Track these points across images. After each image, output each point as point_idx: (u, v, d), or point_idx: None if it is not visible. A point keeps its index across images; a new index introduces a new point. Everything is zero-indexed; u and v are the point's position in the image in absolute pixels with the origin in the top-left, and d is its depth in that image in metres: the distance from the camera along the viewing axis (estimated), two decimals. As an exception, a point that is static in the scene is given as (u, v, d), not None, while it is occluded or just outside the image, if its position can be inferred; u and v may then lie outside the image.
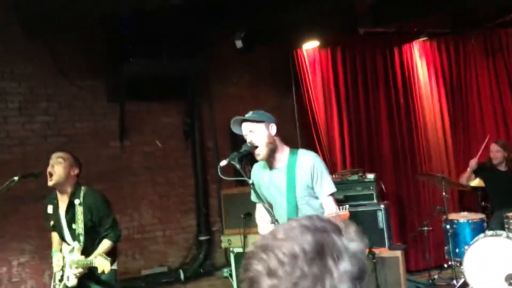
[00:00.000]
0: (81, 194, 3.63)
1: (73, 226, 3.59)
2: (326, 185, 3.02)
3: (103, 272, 3.33)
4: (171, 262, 5.91)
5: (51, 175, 3.57)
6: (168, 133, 5.99)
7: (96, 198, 3.68)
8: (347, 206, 2.78)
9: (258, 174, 3.14)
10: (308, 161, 3.03)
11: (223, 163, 2.82)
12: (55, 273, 3.76)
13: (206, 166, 6.12)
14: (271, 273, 0.90)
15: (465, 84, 6.98)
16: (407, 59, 6.75)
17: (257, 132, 3.00)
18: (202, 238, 6.00)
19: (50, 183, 3.58)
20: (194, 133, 6.06)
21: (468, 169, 5.83)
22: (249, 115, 3.05)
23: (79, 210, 3.58)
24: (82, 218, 3.57)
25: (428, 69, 6.89)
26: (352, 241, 0.95)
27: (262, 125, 3.01)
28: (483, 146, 5.88)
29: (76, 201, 3.60)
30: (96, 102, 5.63)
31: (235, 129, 3.10)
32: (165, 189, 5.93)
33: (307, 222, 0.96)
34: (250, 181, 2.85)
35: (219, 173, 2.78)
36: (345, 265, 0.91)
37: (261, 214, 3.27)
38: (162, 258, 5.86)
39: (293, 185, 2.99)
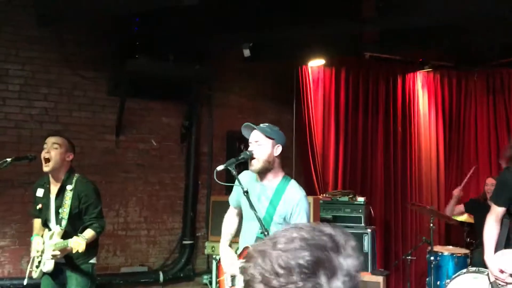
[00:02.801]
0: (74, 180, 3.63)
1: (60, 210, 3.58)
2: None
3: (77, 252, 3.28)
4: (152, 262, 5.87)
5: (47, 160, 3.56)
6: (165, 133, 5.98)
7: (88, 186, 3.68)
8: None
9: (250, 182, 3.13)
10: (295, 195, 2.98)
11: (220, 167, 2.83)
12: (33, 258, 3.71)
13: (199, 171, 6.11)
14: (265, 281, 0.94)
15: (464, 119, 7.05)
16: (409, 88, 6.82)
17: (262, 146, 2.98)
18: (186, 242, 5.96)
19: (46, 169, 3.58)
20: (191, 137, 6.06)
21: (452, 199, 5.91)
22: (263, 126, 3.04)
23: (68, 196, 3.57)
24: (69, 203, 3.56)
25: (429, 100, 6.96)
26: (348, 258, 0.96)
27: (269, 141, 2.99)
28: (468, 176, 5.98)
29: (68, 187, 3.60)
30: (97, 94, 5.61)
31: (244, 132, 3.10)
32: (155, 189, 5.91)
33: (308, 235, 0.98)
34: (245, 189, 2.85)
35: (215, 176, 2.79)
36: (338, 284, 0.93)
37: (229, 222, 3.29)
38: (144, 257, 5.82)
39: (273, 208, 2.97)
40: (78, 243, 3.27)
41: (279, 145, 3.02)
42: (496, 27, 5.53)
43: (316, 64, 6.28)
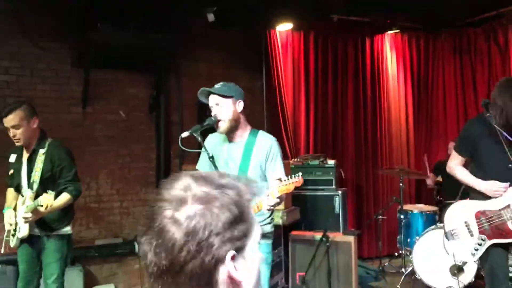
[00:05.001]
0: (47, 144, 3.60)
1: (32, 174, 3.55)
2: (278, 169, 3.05)
3: (47, 207, 3.26)
4: (127, 233, 5.86)
5: (15, 138, 3.54)
6: (133, 104, 5.89)
7: (60, 149, 3.65)
8: (300, 174, 2.78)
9: (217, 146, 3.15)
10: (266, 142, 3.07)
11: (185, 134, 2.82)
12: (8, 231, 3.69)
13: (170, 141, 6.06)
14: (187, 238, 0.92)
15: (432, 80, 7.15)
16: (377, 50, 6.84)
17: (223, 107, 3.00)
18: (160, 212, 5.95)
19: (18, 144, 3.59)
20: (160, 107, 5.98)
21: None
22: (218, 86, 3.03)
23: (40, 159, 3.54)
24: (41, 166, 3.52)
25: (397, 62, 7.01)
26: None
27: (229, 101, 3.01)
28: (427, 165, 6.32)
29: (41, 151, 3.57)
30: (61, 66, 5.45)
31: (201, 98, 3.08)
32: (126, 161, 5.85)
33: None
34: (210, 154, 2.85)
35: (180, 144, 2.77)
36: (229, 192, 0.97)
37: None
38: (118, 229, 5.80)
39: (247, 163, 3.03)
40: (46, 198, 3.24)
41: (239, 100, 3.05)
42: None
43: (284, 28, 6.21)
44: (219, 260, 0.92)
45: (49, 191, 3.29)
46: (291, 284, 5.11)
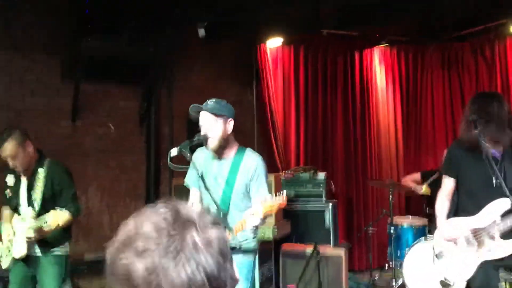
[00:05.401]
0: (46, 164, 3.61)
1: (32, 193, 3.54)
2: (262, 188, 3.05)
3: (52, 236, 3.27)
4: (116, 248, 5.80)
5: (15, 166, 3.54)
6: (123, 116, 5.86)
7: (60, 168, 3.68)
8: (285, 191, 2.77)
9: (207, 162, 3.14)
10: (253, 161, 3.07)
11: (174, 151, 2.81)
12: (2, 248, 3.65)
13: (160, 153, 6.03)
14: (142, 254, 0.90)
15: (421, 93, 7.22)
16: (366, 64, 6.90)
17: (214, 125, 2.99)
18: (150, 225, 5.91)
19: (18, 170, 3.59)
20: (150, 119, 5.97)
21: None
22: (210, 104, 3.01)
23: (40, 179, 3.54)
24: (42, 186, 3.52)
25: (386, 76, 7.06)
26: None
27: (220, 120, 3.00)
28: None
29: (40, 170, 3.57)
30: (51, 79, 5.43)
31: (192, 113, 3.06)
32: (116, 173, 5.81)
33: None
34: (200, 172, 2.84)
35: (168, 161, 2.76)
36: (204, 218, 0.96)
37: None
38: (107, 243, 5.74)
39: (233, 180, 3.03)
40: (56, 216, 3.24)
41: (230, 119, 3.04)
42: (450, 1, 5.63)
43: (274, 43, 6.24)
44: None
45: (58, 208, 3.32)
46: (282, 298, 5.10)
